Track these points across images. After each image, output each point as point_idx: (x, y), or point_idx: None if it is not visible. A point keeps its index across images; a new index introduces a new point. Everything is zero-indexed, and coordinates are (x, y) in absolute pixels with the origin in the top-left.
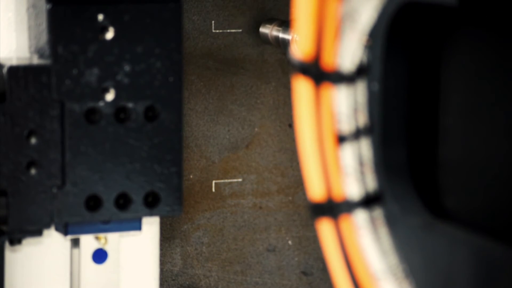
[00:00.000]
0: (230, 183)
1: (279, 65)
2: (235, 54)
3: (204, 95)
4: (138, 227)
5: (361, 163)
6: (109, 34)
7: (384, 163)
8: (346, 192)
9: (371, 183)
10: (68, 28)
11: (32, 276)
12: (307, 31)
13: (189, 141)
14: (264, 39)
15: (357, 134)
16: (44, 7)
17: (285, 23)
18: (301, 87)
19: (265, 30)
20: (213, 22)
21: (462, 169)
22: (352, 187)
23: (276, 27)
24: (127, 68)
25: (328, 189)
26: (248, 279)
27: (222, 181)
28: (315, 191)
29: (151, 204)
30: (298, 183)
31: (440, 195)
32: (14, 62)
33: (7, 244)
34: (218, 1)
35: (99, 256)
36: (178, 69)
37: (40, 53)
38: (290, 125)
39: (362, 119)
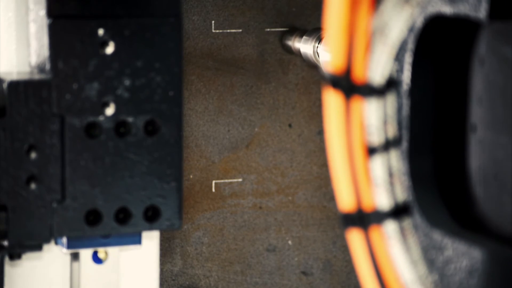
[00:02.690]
0: (230, 183)
1: (279, 65)
2: (235, 54)
3: (204, 95)
4: (138, 241)
5: (390, 174)
6: (109, 49)
7: (412, 173)
8: (376, 203)
9: (401, 194)
10: (69, 42)
11: None
12: (338, 45)
13: (189, 141)
14: (288, 50)
15: (387, 145)
16: (44, 21)
17: (307, 33)
18: (332, 100)
19: (288, 42)
20: (213, 22)
21: (489, 180)
22: (381, 198)
23: (298, 38)
24: (127, 82)
25: (358, 200)
26: (248, 279)
27: (222, 181)
28: (346, 201)
29: (151, 218)
30: (298, 183)
31: (468, 206)
32: (15, 76)
33: (6, 259)
34: (218, 1)
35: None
36: (178, 83)
37: (40, 68)
38: (290, 125)
39: (392, 131)
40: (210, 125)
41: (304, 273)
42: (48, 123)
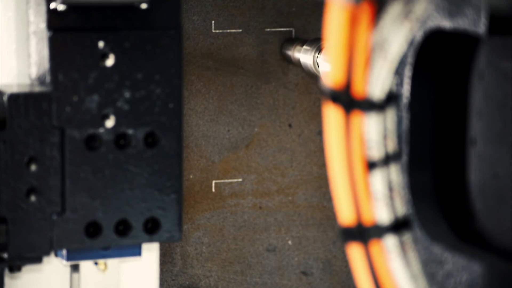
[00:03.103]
0: (230, 183)
1: (279, 65)
2: (235, 54)
3: (204, 95)
4: (138, 252)
5: (390, 189)
6: (110, 61)
7: (412, 187)
8: (376, 217)
9: (401, 208)
10: (69, 55)
11: None
12: (338, 59)
13: (189, 141)
14: (288, 59)
15: (387, 160)
16: (45, 34)
17: (307, 43)
18: (332, 114)
19: (288, 51)
20: (213, 22)
21: (490, 193)
22: (381, 212)
23: (298, 48)
24: (127, 94)
25: (358, 214)
26: (248, 279)
27: (222, 181)
28: (345, 216)
29: (151, 230)
30: (298, 183)
31: (468, 220)
32: (15, 88)
33: (6, 271)
34: (218, 1)
35: None
36: (178, 95)
37: (41, 80)
38: (290, 125)
39: (392, 145)
40: (210, 125)
41: (304, 273)
42: (48, 136)
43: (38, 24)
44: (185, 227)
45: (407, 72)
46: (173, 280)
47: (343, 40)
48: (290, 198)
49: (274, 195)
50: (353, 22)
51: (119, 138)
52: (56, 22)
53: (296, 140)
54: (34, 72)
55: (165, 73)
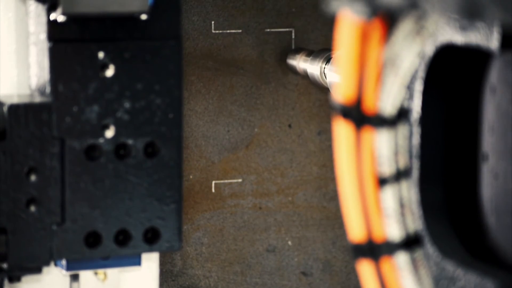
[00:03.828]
0: (230, 183)
1: (279, 65)
2: (234, 55)
3: (204, 96)
4: (137, 262)
5: (401, 205)
6: (109, 72)
7: (423, 203)
8: (386, 234)
9: (412, 225)
10: (69, 66)
11: None
12: (349, 75)
13: (189, 141)
14: (292, 70)
15: (398, 176)
16: (45, 45)
17: (313, 54)
18: (342, 130)
19: (292, 61)
20: (213, 22)
21: (502, 209)
22: (392, 228)
23: (303, 58)
24: (127, 105)
25: (369, 230)
26: (248, 280)
27: (222, 181)
28: (356, 232)
29: (151, 240)
30: (298, 183)
31: (480, 236)
32: (15, 99)
33: (6, 282)
34: (218, 1)
35: None
36: (178, 106)
37: (41, 91)
38: (290, 125)
39: (403, 161)
40: (210, 126)
41: (304, 273)
42: (48, 146)
43: (38, 34)
44: (185, 227)
45: (418, 87)
46: (173, 280)
47: (354, 56)
48: (290, 198)
49: (274, 195)
50: (365, 38)
51: (119, 148)
52: (56, 33)
53: (296, 141)
54: (34, 82)
55: (165, 83)
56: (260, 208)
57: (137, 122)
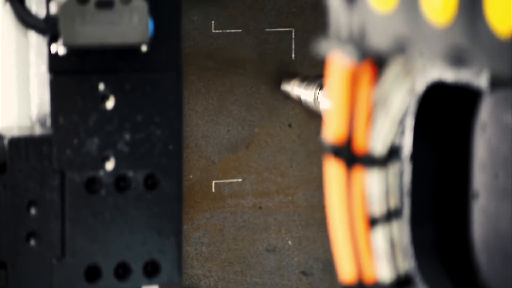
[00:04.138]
0: (230, 183)
1: (279, 65)
2: (235, 54)
3: (204, 95)
4: None
5: (392, 245)
6: (110, 103)
7: (414, 242)
8: (377, 275)
9: (402, 265)
10: (70, 98)
11: None
12: (339, 115)
13: (189, 141)
14: (286, 95)
15: (389, 216)
16: (46, 77)
17: (307, 80)
18: (333, 169)
19: (287, 87)
20: (213, 22)
21: (493, 249)
22: (383, 269)
23: (297, 84)
24: (127, 136)
25: (359, 271)
26: (248, 279)
27: (222, 181)
28: (347, 273)
29: (151, 273)
30: (298, 183)
31: (471, 276)
32: (16, 132)
33: None
34: (218, 1)
35: None
36: (178, 137)
37: (41, 122)
38: (290, 125)
39: (394, 201)
40: (210, 125)
41: (304, 273)
42: (48, 179)
43: (39, 66)
44: (185, 227)
45: (409, 124)
46: None
47: (344, 97)
48: (290, 198)
49: (274, 195)
50: (355, 79)
51: (119, 181)
52: (57, 65)
53: (296, 140)
54: (34, 114)
55: (165, 115)
56: (260, 207)
57: (137, 154)
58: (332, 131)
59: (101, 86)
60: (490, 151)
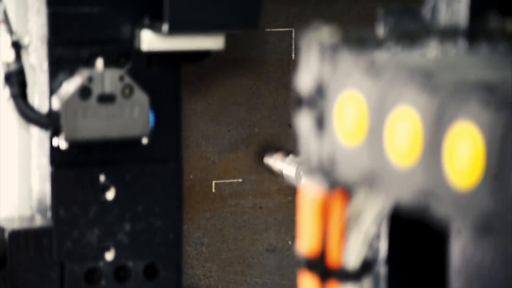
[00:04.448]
0: (230, 183)
1: (279, 65)
2: (235, 54)
3: (204, 96)
4: None
5: None
6: (110, 194)
7: None
8: None
9: None
10: (70, 190)
11: None
12: (311, 231)
13: (189, 141)
14: (268, 169)
15: None
16: (47, 169)
17: (290, 155)
18: (307, 282)
19: (269, 161)
20: None
21: None
22: None
23: (280, 158)
24: (127, 227)
25: None
26: (248, 279)
27: (222, 181)
28: None
29: None
30: None
31: None
32: (16, 223)
33: None
34: None
35: None
36: (178, 227)
37: (42, 213)
38: (290, 125)
39: None
40: (210, 125)
41: None
42: (48, 271)
43: (40, 158)
44: (185, 227)
45: (383, 230)
46: None
47: (316, 220)
48: (290, 198)
49: (274, 195)
50: (326, 204)
51: (119, 271)
52: (58, 158)
53: (296, 140)
54: (35, 204)
55: (165, 205)
56: (260, 208)
57: (137, 244)
58: (305, 244)
59: (102, 178)
60: (464, 258)
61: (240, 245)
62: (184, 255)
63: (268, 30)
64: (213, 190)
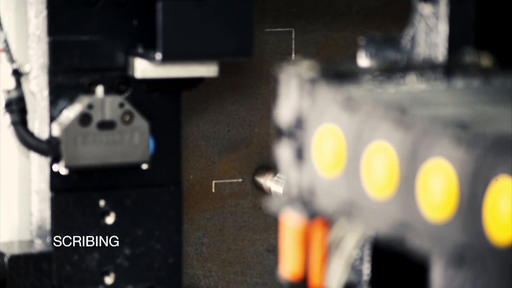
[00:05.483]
0: (230, 183)
1: (279, 65)
2: None
3: (204, 96)
4: None
5: None
6: (110, 219)
7: None
8: None
9: None
10: (70, 215)
11: None
12: (293, 256)
13: (189, 141)
14: (259, 186)
15: None
16: (47, 194)
17: (279, 173)
18: None
19: (259, 179)
20: None
21: None
22: None
23: (270, 177)
24: (127, 251)
25: None
26: (248, 279)
27: (222, 181)
28: None
29: None
30: None
31: None
32: (16, 247)
33: None
34: None
35: None
36: (178, 250)
37: (41, 238)
38: None
39: None
40: (210, 125)
41: None
42: None
43: (40, 183)
44: (185, 227)
45: (365, 256)
46: None
47: (298, 246)
48: None
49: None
50: (307, 232)
51: None
52: (58, 184)
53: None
54: (35, 229)
55: (165, 229)
56: (260, 208)
57: (137, 268)
58: (288, 270)
59: (102, 203)
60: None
61: (240, 245)
62: (184, 255)
63: (268, 30)
64: (213, 190)
